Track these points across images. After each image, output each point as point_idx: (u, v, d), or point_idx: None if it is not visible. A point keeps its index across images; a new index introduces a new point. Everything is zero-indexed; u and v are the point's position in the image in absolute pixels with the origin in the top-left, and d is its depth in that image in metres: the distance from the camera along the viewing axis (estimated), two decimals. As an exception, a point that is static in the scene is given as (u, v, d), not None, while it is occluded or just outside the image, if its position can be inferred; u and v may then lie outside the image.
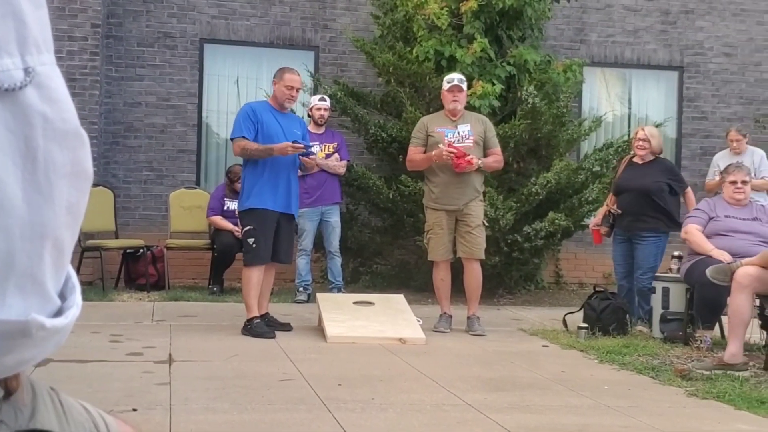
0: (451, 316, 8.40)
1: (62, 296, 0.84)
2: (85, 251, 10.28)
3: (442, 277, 8.42)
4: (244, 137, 7.76)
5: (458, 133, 8.24)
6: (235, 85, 12.33)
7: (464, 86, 8.44)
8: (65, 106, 0.79)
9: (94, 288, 10.20)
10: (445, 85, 8.38)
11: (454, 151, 7.99)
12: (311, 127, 9.87)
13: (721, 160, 10.27)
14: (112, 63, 11.80)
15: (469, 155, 8.03)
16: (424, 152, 8.32)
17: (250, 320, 7.73)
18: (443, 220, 8.24)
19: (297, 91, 8.02)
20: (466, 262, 8.33)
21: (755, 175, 9.93)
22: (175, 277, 11.08)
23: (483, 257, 8.39)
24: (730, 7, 13.39)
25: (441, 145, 8.10)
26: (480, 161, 8.17)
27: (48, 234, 0.78)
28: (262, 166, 7.76)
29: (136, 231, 11.53)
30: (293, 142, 7.62)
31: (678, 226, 8.49)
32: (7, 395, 0.83)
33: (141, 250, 10.80)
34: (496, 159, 8.41)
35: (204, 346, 7.04)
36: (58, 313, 0.83)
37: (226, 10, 12.12)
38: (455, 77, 8.43)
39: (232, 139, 7.98)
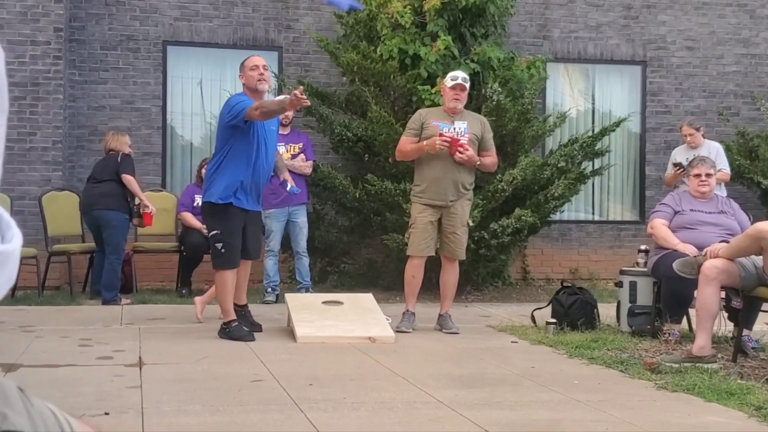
0: (414, 314, 8.26)
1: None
2: (52, 256, 10.21)
3: (413, 274, 8.25)
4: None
5: (454, 129, 8.03)
6: (198, 86, 12.28)
7: (467, 85, 8.22)
8: None
9: (61, 293, 10.13)
10: (449, 82, 8.14)
11: (449, 139, 7.86)
12: (277, 128, 9.82)
13: (679, 154, 10.31)
14: (76, 67, 11.72)
15: (461, 141, 7.89)
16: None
17: (227, 323, 7.62)
18: (428, 215, 8.10)
19: (264, 68, 7.70)
20: (446, 260, 8.27)
21: (712, 168, 9.98)
22: (142, 280, 11.02)
23: (464, 258, 8.38)
24: (692, 1, 13.49)
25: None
26: (478, 160, 8.09)
27: None
28: (231, 159, 7.51)
29: (103, 235, 11.43)
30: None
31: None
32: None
33: (108, 254, 10.72)
34: (492, 161, 8.34)
35: (174, 349, 7.00)
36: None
37: (188, 11, 12.06)
38: (459, 75, 8.19)
39: (242, 110, 7.34)
